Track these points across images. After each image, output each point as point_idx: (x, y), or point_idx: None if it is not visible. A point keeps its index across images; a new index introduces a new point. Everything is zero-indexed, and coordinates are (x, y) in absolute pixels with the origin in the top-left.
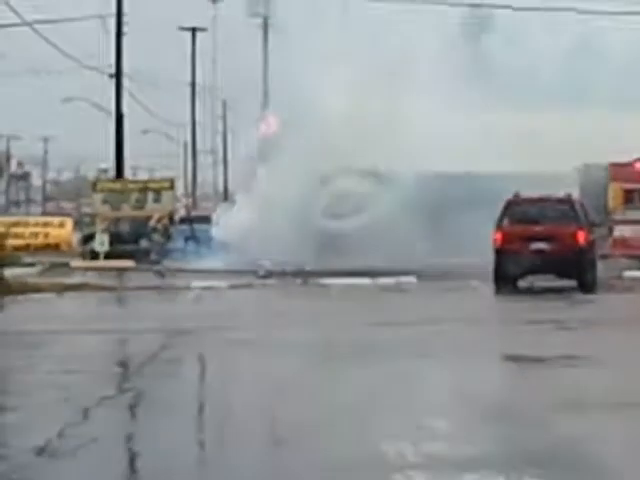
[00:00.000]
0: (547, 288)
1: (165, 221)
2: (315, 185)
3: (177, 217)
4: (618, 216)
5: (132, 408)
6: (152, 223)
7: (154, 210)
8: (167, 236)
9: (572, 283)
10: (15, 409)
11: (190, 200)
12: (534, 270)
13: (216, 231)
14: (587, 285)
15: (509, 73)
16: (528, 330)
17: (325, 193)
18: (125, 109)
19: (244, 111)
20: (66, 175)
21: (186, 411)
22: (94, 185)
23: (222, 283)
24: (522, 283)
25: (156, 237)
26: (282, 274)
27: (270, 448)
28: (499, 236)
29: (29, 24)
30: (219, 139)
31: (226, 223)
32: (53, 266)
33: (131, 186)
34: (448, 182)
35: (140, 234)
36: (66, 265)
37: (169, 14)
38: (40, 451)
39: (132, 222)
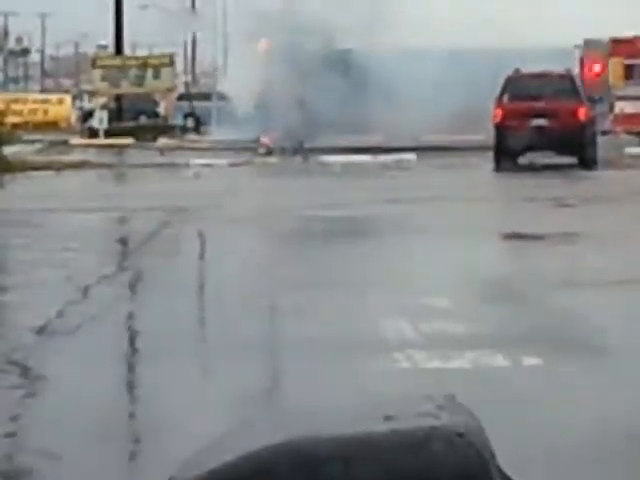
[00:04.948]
0: (547, 165)
1: None
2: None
3: (175, 94)
4: (619, 92)
5: (132, 286)
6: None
7: (153, 87)
8: None
9: (572, 160)
10: (14, 288)
11: (189, 77)
12: (534, 146)
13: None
14: (587, 162)
15: None
16: (528, 207)
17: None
18: None
19: None
20: (65, 51)
21: (186, 289)
22: (93, 61)
23: (222, 161)
24: (522, 160)
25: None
26: (282, 151)
27: (269, 324)
28: (499, 112)
29: None
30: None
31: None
32: (52, 144)
33: (130, 62)
34: (447, 58)
35: (140, 111)
36: (65, 143)
37: None
38: (40, 330)
39: (132, 99)
